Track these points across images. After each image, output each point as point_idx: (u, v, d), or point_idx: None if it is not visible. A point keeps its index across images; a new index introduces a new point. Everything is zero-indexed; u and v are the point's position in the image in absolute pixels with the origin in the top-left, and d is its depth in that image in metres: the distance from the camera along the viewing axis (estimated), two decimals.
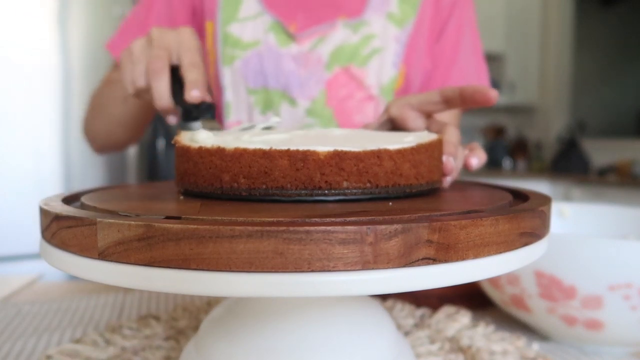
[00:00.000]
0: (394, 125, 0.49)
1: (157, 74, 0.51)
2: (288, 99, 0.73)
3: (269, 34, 0.73)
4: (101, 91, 0.76)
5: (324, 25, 0.74)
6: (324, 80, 0.73)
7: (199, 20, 0.77)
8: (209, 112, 0.50)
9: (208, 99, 0.51)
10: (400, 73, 0.76)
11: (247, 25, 0.73)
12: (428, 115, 0.48)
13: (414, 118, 0.47)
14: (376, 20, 0.75)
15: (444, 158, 0.39)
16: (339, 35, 0.74)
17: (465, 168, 0.46)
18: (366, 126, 0.51)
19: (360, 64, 0.73)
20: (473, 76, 0.80)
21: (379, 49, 0.74)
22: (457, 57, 0.80)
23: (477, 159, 0.45)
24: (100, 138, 0.79)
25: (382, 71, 0.74)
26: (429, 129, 0.47)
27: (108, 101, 0.74)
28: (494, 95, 0.42)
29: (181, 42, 0.52)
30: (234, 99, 0.75)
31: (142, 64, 0.52)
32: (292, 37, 0.73)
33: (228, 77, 0.74)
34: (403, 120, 0.47)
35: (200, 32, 0.77)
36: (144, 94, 0.54)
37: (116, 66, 0.77)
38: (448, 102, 0.45)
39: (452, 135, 0.42)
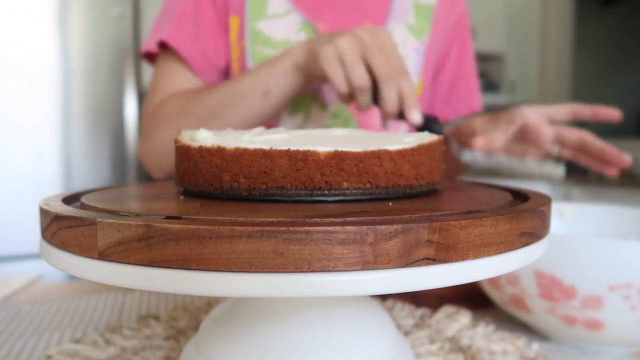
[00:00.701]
0: (525, 132, 0.61)
1: (404, 75, 0.55)
2: (318, 103, 0.74)
3: (300, 34, 0.73)
4: (206, 97, 0.67)
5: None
6: None
7: (220, 14, 0.75)
8: (434, 125, 0.56)
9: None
10: (420, 82, 0.78)
11: (276, 23, 0.72)
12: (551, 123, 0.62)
13: (546, 125, 0.60)
14: (397, 30, 0.77)
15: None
16: None
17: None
18: (488, 136, 0.62)
19: None
20: (474, 88, 0.89)
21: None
22: (461, 74, 0.87)
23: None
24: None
25: None
26: (562, 134, 0.62)
27: (230, 101, 0.66)
28: (616, 114, 0.62)
29: (384, 45, 0.56)
30: None
31: (362, 65, 0.56)
32: None
33: None
34: (538, 126, 0.60)
35: (223, 26, 0.75)
36: (362, 98, 0.57)
37: (175, 60, 0.73)
38: (577, 117, 0.60)
39: (598, 142, 0.61)
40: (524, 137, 0.66)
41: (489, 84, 3.38)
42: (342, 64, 0.56)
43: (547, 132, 0.63)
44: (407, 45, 0.76)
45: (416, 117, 0.55)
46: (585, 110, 0.61)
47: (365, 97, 0.57)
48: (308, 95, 0.74)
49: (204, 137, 0.34)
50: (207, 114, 0.66)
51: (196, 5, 0.74)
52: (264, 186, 0.30)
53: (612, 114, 0.59)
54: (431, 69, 0.82)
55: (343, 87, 0.56)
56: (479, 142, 0.61)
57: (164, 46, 0.74)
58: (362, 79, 0.55)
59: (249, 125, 0.66)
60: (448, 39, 0.84)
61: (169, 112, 0.69)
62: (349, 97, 0.59)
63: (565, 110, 0.62)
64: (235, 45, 0.75)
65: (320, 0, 0.76)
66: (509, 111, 0.66)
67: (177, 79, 0.73)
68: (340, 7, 0.76)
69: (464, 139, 0.72)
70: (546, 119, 0.62)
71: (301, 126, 0.74)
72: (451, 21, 0.83)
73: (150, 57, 0.77)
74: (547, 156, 0.68)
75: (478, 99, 0.88)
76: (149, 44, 0.75)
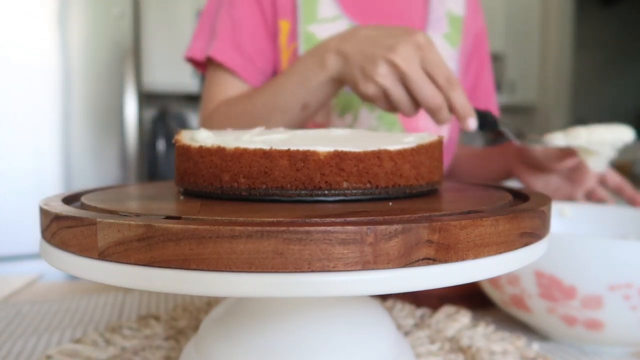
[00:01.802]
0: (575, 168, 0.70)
1: (456, 88, 0.52)
2: (368, 104, 0.75)
3: None
4: (249, 108, 0.68)
5: None
6: None
7: (267, 18, 0.76)
8: (492, 123, 0.55)
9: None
10: None
11: (326, 27, 0.74)
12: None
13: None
14: (436, 38, 0.78)
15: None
16: None
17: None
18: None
19: None
20: (493, 98, 0.92)
21: None
22: (481, 80, 0.90)
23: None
24: None
25: None
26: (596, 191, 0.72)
27: (270, 113, 0.67)
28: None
29: (431, 62, 0.52)
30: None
31: (429, 83, 0.52)
32: None
33: None
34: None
35: (270, 30, 0.77)
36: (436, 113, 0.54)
37: (223, 70, 0.74)
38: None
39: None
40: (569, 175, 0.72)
41: None
42: (407, 81, 0.52)
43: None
44: (444, 53, 0.78)
45: (472, 124, 0.53)
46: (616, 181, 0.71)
47: (443, 114, 0.53)
48: (357, 97, 0.75)
49: (204, 137, 0.34)
50: (250, 123, 0.68)
51: (240, 13, 0.76)
52: (264, 186, 0.30)
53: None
54: (463, 77, 0.85)
55: (410, 111, 0.54)
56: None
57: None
58: (436, 98, 0.52)
59: (290, 127, 0.68)
60: (469, 50, 0.87)
61: (219, 121, 0.72)
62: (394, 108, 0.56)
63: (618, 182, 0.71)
64: (286, 48, 0.76)
65: (367, 7, 0.78)
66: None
67: (227, 87, 0.75)
68: (385, 14, 0.78)
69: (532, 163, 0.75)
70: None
71: (350, 127, 0.76)
72: (472, 33, 0.86)
73: (194, 60, 0.79)
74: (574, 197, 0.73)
75: (495, 107, 0.91)
76: (192, 50, 0.77)
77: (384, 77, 0.52)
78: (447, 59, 0.79)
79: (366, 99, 0.55)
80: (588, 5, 3.81)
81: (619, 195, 0.71)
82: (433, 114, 0.53)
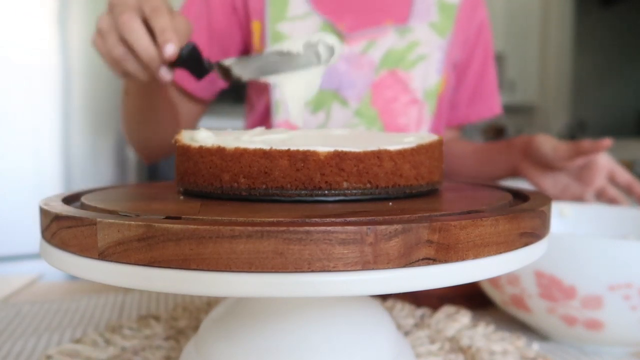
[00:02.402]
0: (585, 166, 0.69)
1: (128, 26, 0.47)
2: (340, 100, 0.75)
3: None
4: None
5: (373, 29, 0.76)
6: (370, 81, 0.75)
7: (241, 20, 0.77)
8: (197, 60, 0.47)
9: (182, 43, 0.47)
10: (442, 79, 0.80)
11: (296, 24, 0.74)
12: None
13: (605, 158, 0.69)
14: (420, 28, 0.78)
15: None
16: (389, 40, 0.76)
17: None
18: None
19: (407, 68, 0.76)
20: (494, 92, 0.91)
21: (424, 55, 0.77)
22: (482, 77, 0.89)
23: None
24: (131, 141, 0.77)
25: (427, 77, 0.77)
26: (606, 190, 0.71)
27: (122, 103, 0.71)
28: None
29: None
30: (283, 97, 0.76)
31: (113, 32, 0.49)
32: (342, 37, 0.74)
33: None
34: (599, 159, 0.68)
35: (244, 32, 0.78)
36: (128, 67, 0.50)
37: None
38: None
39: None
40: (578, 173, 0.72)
41: None
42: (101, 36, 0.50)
43: (603, 164, 0.69)
44: (431, 42, 0.77)
45: (169, 49, 0.46)
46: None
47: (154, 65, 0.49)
48: (328, 93, 0.74)
49: (204, 137, 0.34)
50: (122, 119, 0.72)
51: (207, 14, 0.76)
52: (264, 186, 0.30)
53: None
54: (452, 68, 0.83)
55: (138, 71, 0.51)
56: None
57: None
58: (148, 49, 0.48)
59: (139, 121, 0.71)
60: (470, 43, 0.85)
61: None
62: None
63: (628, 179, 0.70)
64: (258, 48, 0.76)
65: (340, 1, 0.77)
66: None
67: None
68: (361, 7, 0.77)
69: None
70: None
71: (323, 126, 0.75)
72: (473, 26, 0.85)
73: None
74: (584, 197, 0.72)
75: (499, 102, 0.91)
76: None
77: (104, 32, 0.50)
78: (433, 49, 0.77)
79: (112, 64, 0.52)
80: (588, 6, 3.81)
81: (629, 193, 0.70)
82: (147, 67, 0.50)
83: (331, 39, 0.43)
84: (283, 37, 0.73)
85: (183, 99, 0.79)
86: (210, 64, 0.49)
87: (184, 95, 0.79)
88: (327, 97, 0.75)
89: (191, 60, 0.48)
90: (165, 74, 0.49)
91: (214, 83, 0.79)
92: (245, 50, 0.80)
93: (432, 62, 0.77)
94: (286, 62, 0.43)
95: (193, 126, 0.82)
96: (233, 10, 0.77)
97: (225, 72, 0.48)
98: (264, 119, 0.79)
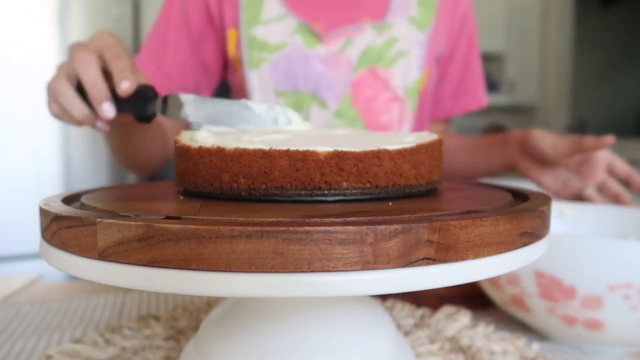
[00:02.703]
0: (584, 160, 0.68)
1: (83, 66, 0.47)
2: (318, 101, 0.74)
3: (295, 35, 0.73)
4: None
5: (350, 27, 0.75)
6: (350, 81, 0.74)
7: (217, 29, 0.77)
8: (154, 100, 0.46)
9: (141, 82, 0.47)
10: (423, 75, 0.78)
11: (271, 27, 0.73)
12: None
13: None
14: (399, 23, 0.76)
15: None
16: (367, 37, 0.74)
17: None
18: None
19: (386, 65, 0.75)
20: (477, 84, 0.87)
21: (404, 51, 0.75)
22: (466, 70, 0.86)
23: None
24: (125, 166, 0.78)
25: (407, 73, 0.76)
26: (607, 184, 0.70)
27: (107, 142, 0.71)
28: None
29: (99, 44, 0.49)
30: (263, 102, 0.75)
31: (50, 94, 0.51)
32: (318, 37, 0.73)
33: (255, 81, 0.74)
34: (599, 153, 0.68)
35: (220, 40, 0.77)
36: (86, 117, 0.51)
37: None
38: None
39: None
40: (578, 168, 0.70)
41: (489, 84, 3.37)
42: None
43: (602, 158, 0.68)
44: (410, 38, 0.76)
45: (124, 85, 0.46)
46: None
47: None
48: (306, 95, 0.74)
49: (204, 138, 0.34)
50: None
51: (166, 31, 0.76)
52: (263, 186, 0.30)
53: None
54: (435, 62, 0.81)
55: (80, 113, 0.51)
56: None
57: None
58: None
59: (125, 155, 0.71)
60: (454, 35, 0.83)
61: None
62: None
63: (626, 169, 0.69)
64: (234, 56, 0.76)
65: (315, 1, 0.75)
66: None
67: None
68: (337, 5, 0.76)
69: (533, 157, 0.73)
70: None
71: None
72: (456, 17, 0.83)
73: None
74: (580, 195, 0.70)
75: (484, 94, 0.88)
76: (139, 66, 0.77)
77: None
78: (412, 44, 0.76)
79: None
80: (588, 6, 3.81)
81: (628, 184, 0.69)
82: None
83: (292, 115, 0.42)
84: (258, 41, 0.73)
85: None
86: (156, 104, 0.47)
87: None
88: (305, 99, 0.74)
89: (140, 99, 0.47)
90: (107, 110, 0.48)
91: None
92: (223, 59, 0.79)
93: (412, 58, 0.76)
94: (244, 116, 0.42)
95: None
96: (209, 21, 0.77)
97: (168, 107, 0.46)
98: None
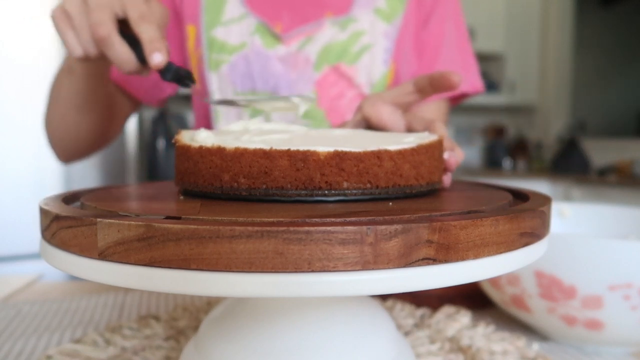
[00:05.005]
0: (369, 123, 0.45)
1: (107, 43, 0.46)
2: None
3: (254, 36, 0.72)
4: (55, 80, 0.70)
5: (311, 24, 0.73)
6: (313, 80, 0.72)
7: (179, 22, 0.75)
8: (183, 76, 0.46)
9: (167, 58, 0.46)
10: (390, 69, 0.75)
11: (231, 28, 0.72)
12: (405, 109, 0.46)
13: (389, 113, 0.43)
14: (364, 16, 0.73)
15: (445, 154, 0.38)
16: (327, 33, 0.72)
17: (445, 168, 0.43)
18: (343, 125, 0.47)
19: (350, 61, 0.72)
20: (458, 66, 0.78)
21: (368, 45, 0.73)
22: (441, 49, 0.78)
23: (456, 158, 0.41)
24: (56, 130, 0.72)
25: (372, 68, 0.73)
26: (411, 126, 0.44)
27: (58, 84, 0.68)
28: (457, 79, 0.42)
29: None
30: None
31: (86, 30, 0.47)
32: (278, 38, 0.72)
33: (215, 83, 0.73)
34: (378, 116, 0.44)
35: (181, 35, 0.76)
36: (95, 60, 0.50)
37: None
38: (422, 92, 0.45)
39: (443, 131, 0.41)
40: (375, 127, 0.54)
41: (489, 84, 3.38)
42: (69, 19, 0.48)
43: (391, 119, 0.47)
44: (376, 31, 0.73)
45: (156, 58, 0.46)
46: (426, 83, 0.45)
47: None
48: (266, 95, 0.72)
49: (204, 137, 0.34)
50: (48, 101, 0.69)
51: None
52: (264, 186, 0.30)
53: (447, 81, 0.43)
54: (405, 55, 0.76)
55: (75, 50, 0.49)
56: None
57: None
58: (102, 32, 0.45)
59: (72, 105, 0.66)
60: (424, 18, 0.77)
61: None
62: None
63: (408, 88, 0.48)
64: (193, 53, 0.74)
65: (277, 0, 0.74)
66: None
67: None
68: (298, 3, 0.74)
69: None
70: (387, 103, 0.46)
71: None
72: (429, 1, 0.77)
73: None
74: None
75: (468, 65, 0.78)
76: None
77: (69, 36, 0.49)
78: (377, 37, 0.72)
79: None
80: (588, 6, 3.81)
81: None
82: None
83: (305, 97, 0.43)
84: (218, 42, 0.72)
85: (123, 95, 0.76)
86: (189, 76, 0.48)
87: (125, 93, 0.77)
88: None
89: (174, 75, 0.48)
90: (157, 58, 0.46)
91: (160, 89, 0.77)
92: (182, 55, 0.77)
93: (378, 51, 0.72)
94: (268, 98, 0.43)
95: (125, 122, 0.79)
96: (174, 12, 0.75)
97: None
98: (207, 125, 0.78)
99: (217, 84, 0.73)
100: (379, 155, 0.31)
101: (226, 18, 0.72)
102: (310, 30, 0.73)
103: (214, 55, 0.72)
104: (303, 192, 0.30)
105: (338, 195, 0.30)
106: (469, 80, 0.78)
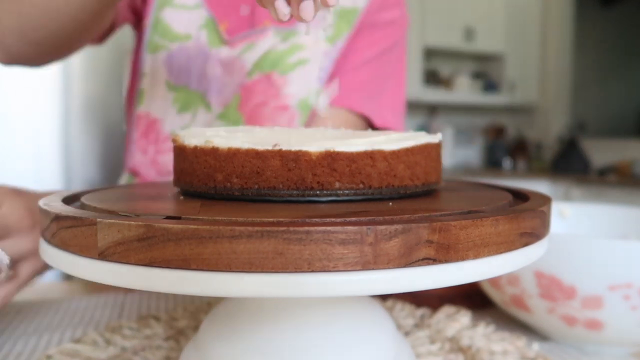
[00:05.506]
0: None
1: None
2: (204, 103, 0.71)
3: (202, 31, 0.70)
4: None
5: (256, 30, 0.72)
6: (241, 85, 0.71)
7: None
8: None
9: None
10: (323, 90, 0.72)
11: (181, 14, 0.70)
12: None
13: None
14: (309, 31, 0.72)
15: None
16: (269, 42, 0.71)
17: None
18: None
19: (283, 71, 0.71)
20: (370, 90, 0.74)
21: (305, 60, 0.72)
22: (362, 67, 0.74)
23: None
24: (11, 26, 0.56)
25: (304, 83, 0.72)
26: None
27: None
28: None
29: None
30: (150, 89, 0.71)
31: None
32: (223, 40, 0.71)
33: (149, 65, 0.71)
34: None
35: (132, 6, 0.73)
36: None
37: None
38: None
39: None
40: None
41: (489, 84, 3.38)
42: None
43: None
44: (317, 48, 0.71)
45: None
46: None
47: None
48: (196, 95, 0.72)
49: (211, 135, 0.34)
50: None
51: None
52: (256, 186, 0.30)
53: None
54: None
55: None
56: None
57: None
58: None
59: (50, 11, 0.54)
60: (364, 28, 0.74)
61: None
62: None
63: None
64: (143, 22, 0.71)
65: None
66: None
67: None
68: (250, 6, 0.72)
69: None
70: None
71: (188, 125, 0.72)
72: (379, 25, 0.75)
73: None
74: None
75: (393, 115, 0.74)
76: None
77: None
78: (316, 54, 0.70)
79: None
80: (588, 6, 3.81)
81: None
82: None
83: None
84: (162, 25, 0.69)
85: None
86: None
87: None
88: (194, 99, 0.71)
89: None
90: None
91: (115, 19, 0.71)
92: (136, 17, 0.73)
93: (313, 68, 0.71)
94: None
95: (81, 47, 0.66)
96: None
97: None
98: (130, 105, 0.74)
99: (151, 67, 0.71)
100: (372, 155, 0.31)
101: (179, 2, 0.70)
102: (255, 36, 0.71)
103: (156, 37, 0.70)
104: (295, 192, 0.30)
105: (330, 195, 0.30)
106: (377, 110, 0.74)
